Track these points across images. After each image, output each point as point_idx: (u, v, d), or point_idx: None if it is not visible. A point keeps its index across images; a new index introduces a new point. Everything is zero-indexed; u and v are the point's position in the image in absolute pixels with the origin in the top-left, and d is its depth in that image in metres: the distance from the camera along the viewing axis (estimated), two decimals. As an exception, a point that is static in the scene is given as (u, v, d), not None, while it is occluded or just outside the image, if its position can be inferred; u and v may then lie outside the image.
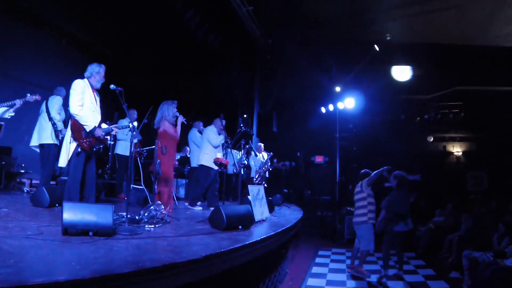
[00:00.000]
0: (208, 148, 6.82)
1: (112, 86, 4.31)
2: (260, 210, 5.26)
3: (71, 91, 4.54)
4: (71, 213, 3.23)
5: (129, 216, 4.40)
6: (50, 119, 6.20)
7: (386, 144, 12.54)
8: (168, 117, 5.51)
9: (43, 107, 6.38)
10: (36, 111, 6.56)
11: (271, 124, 13.32)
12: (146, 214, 4.23)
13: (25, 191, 6.86)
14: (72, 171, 4.53)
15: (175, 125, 5.63)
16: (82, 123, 4.52)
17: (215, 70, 11.55)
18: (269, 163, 9.68)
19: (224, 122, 6.98)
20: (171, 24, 9.54)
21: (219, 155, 6.10)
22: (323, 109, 13.29)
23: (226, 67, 11.59)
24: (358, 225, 6.09)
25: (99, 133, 4.57)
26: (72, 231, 3.19)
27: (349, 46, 11.20)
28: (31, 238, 2.99)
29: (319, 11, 9.94)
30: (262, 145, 10.61)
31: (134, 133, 4.36)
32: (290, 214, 7.25)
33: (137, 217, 4.26)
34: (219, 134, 6.85)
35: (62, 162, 4.58)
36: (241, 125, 5.59)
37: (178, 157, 10.56)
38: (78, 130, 4.52)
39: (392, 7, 9.55)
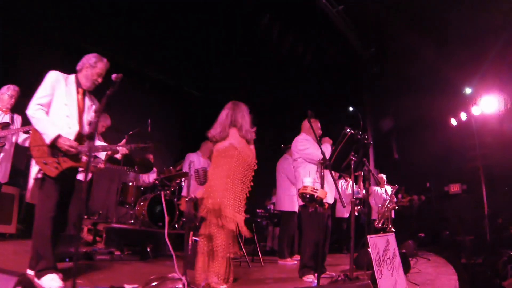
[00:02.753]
0: (304, 171, 4.38)
1: (113, 76, 2.82)
2: (392, 280, 2.94)
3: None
4: None
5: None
6: None
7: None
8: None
9: None
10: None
11: (390, 150, 10.84)
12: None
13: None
14: (37, 211, 2.94)
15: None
16: (39, 129, 2.90)
17: (311, 91, 9.72)
18: (395, 199, 7.35)
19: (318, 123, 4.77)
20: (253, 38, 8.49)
21: (308, 181, 3.24)
22: (453, 121, 10.29)
23: (325, 86, 9.70)
24: None
25: (64, 144, 2.91)
26: None
27: (474, 28, 8.37)
28: None
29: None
30: (384, 176, 8.52)
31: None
32: (437, 274, 4.67)
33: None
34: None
35: (29, 195, 3.19)
36: (348, 129, 3.39)
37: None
38: (38, 144, 2.87)
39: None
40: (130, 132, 7.53)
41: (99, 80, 3.35)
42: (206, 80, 10.83)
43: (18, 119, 4.73)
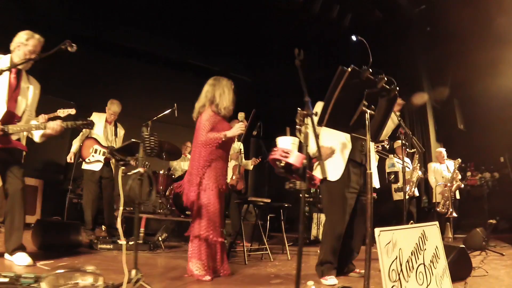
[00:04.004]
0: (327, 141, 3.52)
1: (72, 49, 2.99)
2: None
3: None
4: None
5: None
6: None
7: None
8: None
9: None
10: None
11: (453, 119, 9.40)
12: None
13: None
14: None
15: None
16: None
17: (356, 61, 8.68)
18: (459, 177, 6.59)
19: None
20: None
21: (284, 141, 2.11)
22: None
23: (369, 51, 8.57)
24: None
25: None
26: None
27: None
28: None
29: None
30: (443, 150, 7.45)
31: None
32: (510, 279, 3.45)
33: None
34: None
35: None
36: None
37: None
38: None
39: None
40: (154, 118, 7.21)
41: (32, 56, 3.27)
42: (252, 64, 10.73)
43: None
